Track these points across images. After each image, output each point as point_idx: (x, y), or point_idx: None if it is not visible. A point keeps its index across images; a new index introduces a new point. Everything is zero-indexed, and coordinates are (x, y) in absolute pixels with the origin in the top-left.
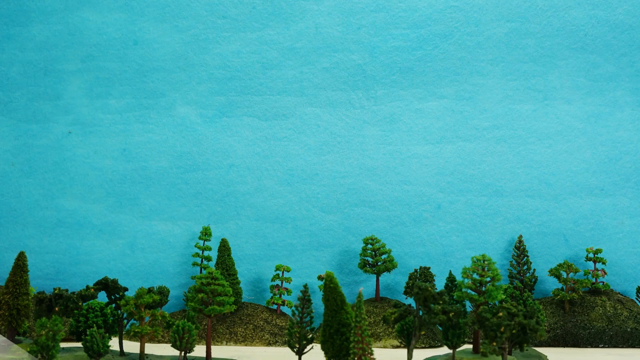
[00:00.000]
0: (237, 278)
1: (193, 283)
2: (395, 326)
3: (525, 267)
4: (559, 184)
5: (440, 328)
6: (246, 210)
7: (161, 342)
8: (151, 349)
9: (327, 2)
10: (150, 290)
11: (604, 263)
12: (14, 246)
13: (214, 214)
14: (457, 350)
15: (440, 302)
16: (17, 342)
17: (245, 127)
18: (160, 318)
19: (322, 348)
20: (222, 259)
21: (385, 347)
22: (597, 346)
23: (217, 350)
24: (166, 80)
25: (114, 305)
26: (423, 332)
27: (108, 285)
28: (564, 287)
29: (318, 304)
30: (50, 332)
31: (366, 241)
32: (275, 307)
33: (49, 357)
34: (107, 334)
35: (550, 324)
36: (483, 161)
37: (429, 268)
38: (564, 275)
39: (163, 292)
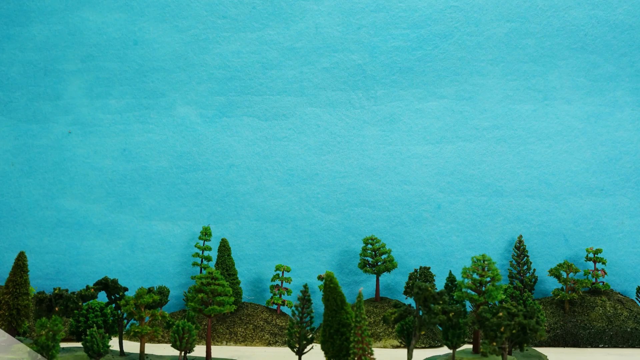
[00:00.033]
0: (237, 278)
1: (193, 283)
2: (395, 326)
3: (525, 267)
4: (559, 184)
5: (440, 328)
6: (246, 210)
7: (161, 342)
8: (151, 349)
9: (327, 2)
10: (150, 290)
11: (604, 263)
12: (14, 246)
13: (214, 214)
14: (457, 350)
15: (440, 302)
16: (17, 341)
17: (245, 127)
18: (160, 318)
19: (322, 348)
20: (222, 259)
21: (385, 347)
22: (597, 346)
23: (217, 350)
24: (166, 80)
25: (114, 305)
26: (423, 332)
27: (108, 285)
28: (564, 287)
29: (318, 304)
30: (50, 332)
31: (366, 241)
32: (275, 307)
33: (49, 357)
34: (107, 334)
35: (550, 324)
36: (483, 161)
37: (429, 268)
38: (564, 275)
39: (163, 292)
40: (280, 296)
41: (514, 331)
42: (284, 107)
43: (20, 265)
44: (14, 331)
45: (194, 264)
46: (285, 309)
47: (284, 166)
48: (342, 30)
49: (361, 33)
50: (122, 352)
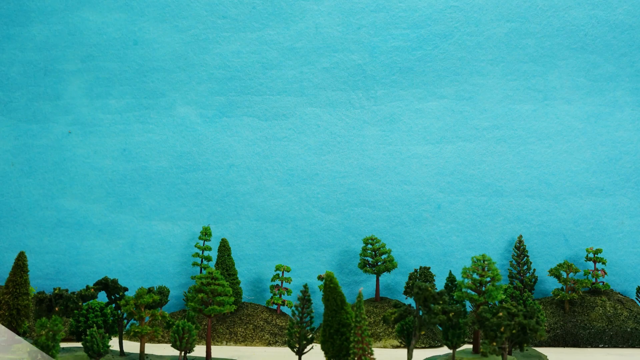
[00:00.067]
0: (237, 278)
1: (193, 283)
2: (395, 326)
3: (525, 267)
4: (559, 184)
5: (440, 328)
6: (246, 210)
7: (161, 342)
8: (151, 349)
9: (327, 2)
10: (150, 290)
11: (604, 263)
12: (14, 246)
13: (214, 214)
14: (457, 350)
15: (440, 302)
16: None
17: (245, 127)
18: (160, 318)
19: (322, 348)
20: (222, 259)
21: (385, 347)
22: (597, 346)
23: (217, 350)
24: (166, 80)
25: (114, 305)
26: (423, 332)
27: (108, 285)
28: (564, 287)
29: (318, 304)
30: (50, 332)
31: (366, 241)
32: (275, 307)
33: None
34: (107, 334)
35: (550, 324)
36: (483, 161)
37: (429, 268)
38: (564, 275)
39: (163, 292)
40: (280, 296)
41: (514, 331)
42: (284, 107)
43: (20, 265)
44: (14, 331)
45: (194, 264)
46: (285, 309)
47: (284, 166)
48: (342, 30)
49: (361, 33)
50: (122, 352)
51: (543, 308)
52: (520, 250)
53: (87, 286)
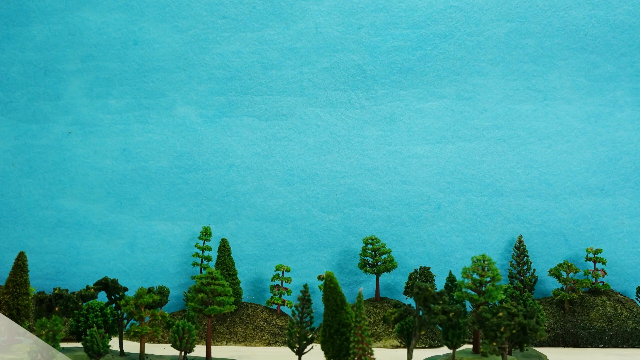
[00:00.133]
0: (237, 278)
1: (193, 283)
2: (395, 326)
3: (525, 267)
4: (559, 184)
5: (440, 328)
6: (246, 210)
7: (161, 342)
8: (151, 349)
9: (327, 2)
10: (150, 290)
11: (604, 263)
12: (14, 246)
13: (214, 214)
14: (457, 350)
15: (440, 302)
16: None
17: (245, 127)
18: (160, 318)
19: (322, 348)
20: (222, 259)
21: (385, 347)
22: (597, 346)
23: (217, 350)
24: (166, 80)
25: (114, 305)
26: (423, 332)
27: (108, 285)
28: (564, 287)
29: (318, 304)
30: (50, 332)
31: (366, 241)
32: (275, 307)
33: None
34: (107, 334)
35: (550, 324)
36: (483, 161)
37: (429, 268)
38: (564, 275)
39: (163, 292)
40: (280, 296)
41: (514, 331)
42: (284, 107)
43: (20, 265)
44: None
45: (194, 264)
46: (285, 309)
47: (284, 166)
48: (342, 30)
49: (361, 33)
50: (122, 352)
51: (543, 308)
52: (520, 250)
53: (87, 286)
